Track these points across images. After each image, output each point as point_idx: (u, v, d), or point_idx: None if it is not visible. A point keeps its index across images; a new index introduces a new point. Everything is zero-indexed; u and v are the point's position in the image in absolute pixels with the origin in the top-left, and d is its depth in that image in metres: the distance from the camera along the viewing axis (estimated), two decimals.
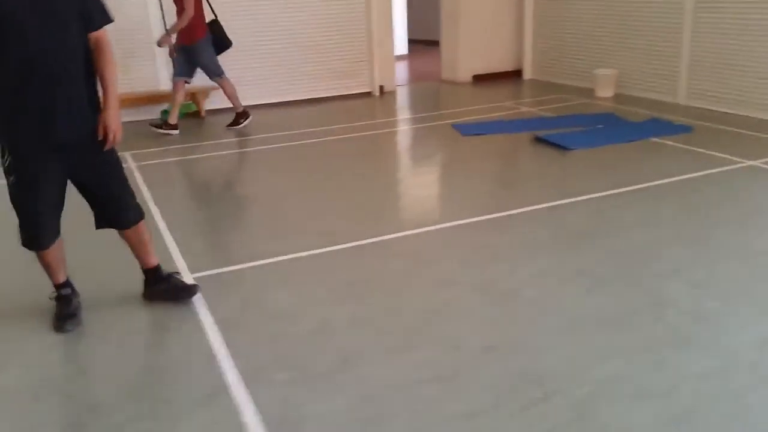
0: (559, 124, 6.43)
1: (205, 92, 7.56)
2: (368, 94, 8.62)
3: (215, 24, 6.67)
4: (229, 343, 2.70)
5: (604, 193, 4.36)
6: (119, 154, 2.89)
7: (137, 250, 3.02)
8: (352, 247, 3.68)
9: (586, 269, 3.28)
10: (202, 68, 6.64)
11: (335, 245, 3.69)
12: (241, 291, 3.22)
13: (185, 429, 2.21)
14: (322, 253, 3.61)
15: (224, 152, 6.18)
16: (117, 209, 2.89)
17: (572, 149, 5.47)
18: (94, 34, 2.64)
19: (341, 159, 5.73)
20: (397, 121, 7.68)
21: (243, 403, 2.30)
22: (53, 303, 2.97)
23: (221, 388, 2.40)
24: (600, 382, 2.34)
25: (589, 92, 7.85)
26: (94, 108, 2.72)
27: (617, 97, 7.63)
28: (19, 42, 2.48)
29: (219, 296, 3.12)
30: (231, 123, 6.94)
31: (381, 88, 8.69)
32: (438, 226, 3.98)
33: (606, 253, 3.47)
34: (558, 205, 4.21)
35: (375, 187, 4.86)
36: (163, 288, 3.04)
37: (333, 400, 2.31)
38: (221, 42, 6.69)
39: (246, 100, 7.20)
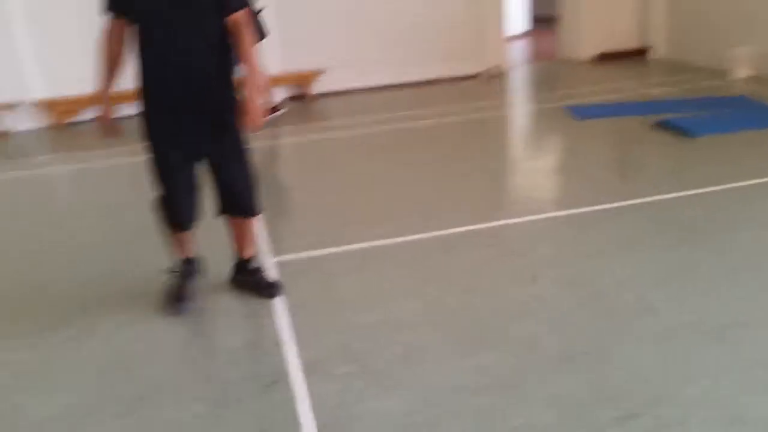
0: (685, 108, 5.87)
1: (313, 75, 7.64)
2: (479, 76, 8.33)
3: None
4: (297, 331, 2.67)
5: (727, 186, 3.90)
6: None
7: (239, 239, 3.02)
8: (436, 236, 3.53)
9: (691, 272, 2.93)
10: None
11: (419, 234, 3.55)
12: (317, 277, 3.18)
13: (237, 416, 2.18)
14: (404, 242, 3.49)
15: (321, 136, 6.19)
16: (237, 196, 2.87)
17: (697, 135, 4.97)
18: (231, 18, 2.65)
19: (440, 144, 5.57)
20: (507, 104, 7.37)
21: (299, 395, 2.25)
22: (167, 279, 2.99)
23: (281, 376, 2.37)
24: (689, 405, 2.06)
25: (723, 73, 7.11)
26: (231, 89, 2.75)
27: (756, 79, 6.84)
28: (157, 27, 2.58)
29: (296, 282, 3.10)
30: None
31: (494, 68, 8.38)
32: (535, 217, 3.73)
33: (717, 254, 3.08)
34: (672, 198, 3.81)
35: (472, 175, 4.66)
36: (247, 279, 3.06)
37: (388, 399, 2.20)
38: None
39: (344, 84, 7.01)
